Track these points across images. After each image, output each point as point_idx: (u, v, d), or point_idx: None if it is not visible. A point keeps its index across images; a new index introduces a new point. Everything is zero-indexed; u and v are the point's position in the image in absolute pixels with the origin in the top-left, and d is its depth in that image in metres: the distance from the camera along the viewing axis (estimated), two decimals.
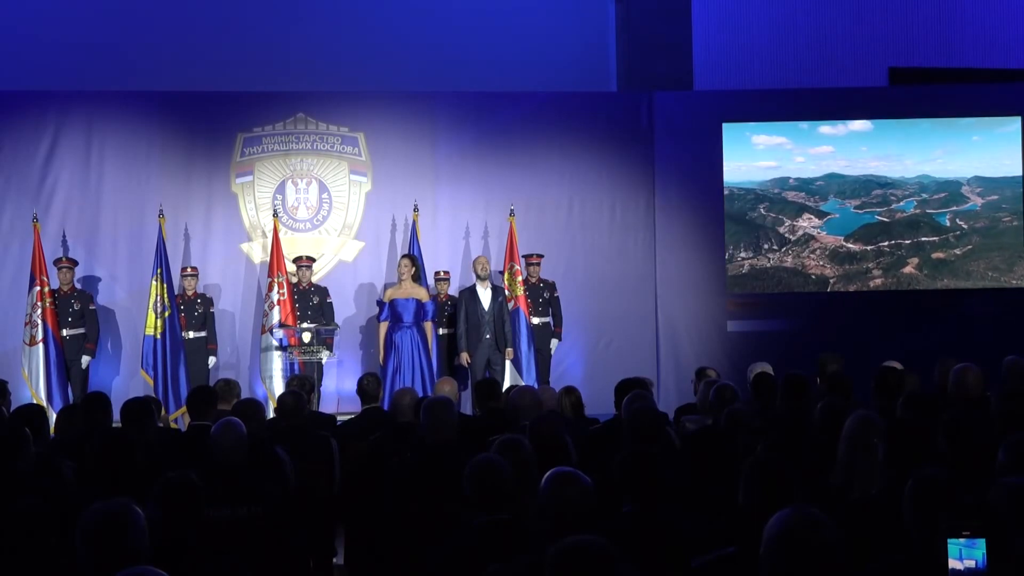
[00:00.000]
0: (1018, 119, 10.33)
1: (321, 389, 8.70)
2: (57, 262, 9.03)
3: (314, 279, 9.44)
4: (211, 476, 3.89)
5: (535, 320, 9.47)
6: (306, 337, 8.76)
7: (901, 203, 10.40)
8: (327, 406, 8.81)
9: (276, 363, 9.01)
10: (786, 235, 10.40)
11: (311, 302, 9.20)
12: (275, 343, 8.98)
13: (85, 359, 9.01)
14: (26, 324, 8.85)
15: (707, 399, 5.58)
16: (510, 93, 10.21)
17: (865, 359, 7.31)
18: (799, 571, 2.43)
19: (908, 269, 10.37)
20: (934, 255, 10.38)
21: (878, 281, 10.37)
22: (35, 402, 7.73)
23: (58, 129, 9.66)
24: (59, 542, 3.07)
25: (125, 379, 9.46)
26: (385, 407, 6.76)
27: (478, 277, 9.16)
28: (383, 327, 8.99)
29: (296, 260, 9.33)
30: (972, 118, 10.37)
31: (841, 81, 10.99)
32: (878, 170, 10.43)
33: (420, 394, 6.40)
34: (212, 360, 9.28)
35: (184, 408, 7.64)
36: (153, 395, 8.12)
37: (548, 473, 3.17)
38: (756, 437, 4.51)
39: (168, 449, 4.92)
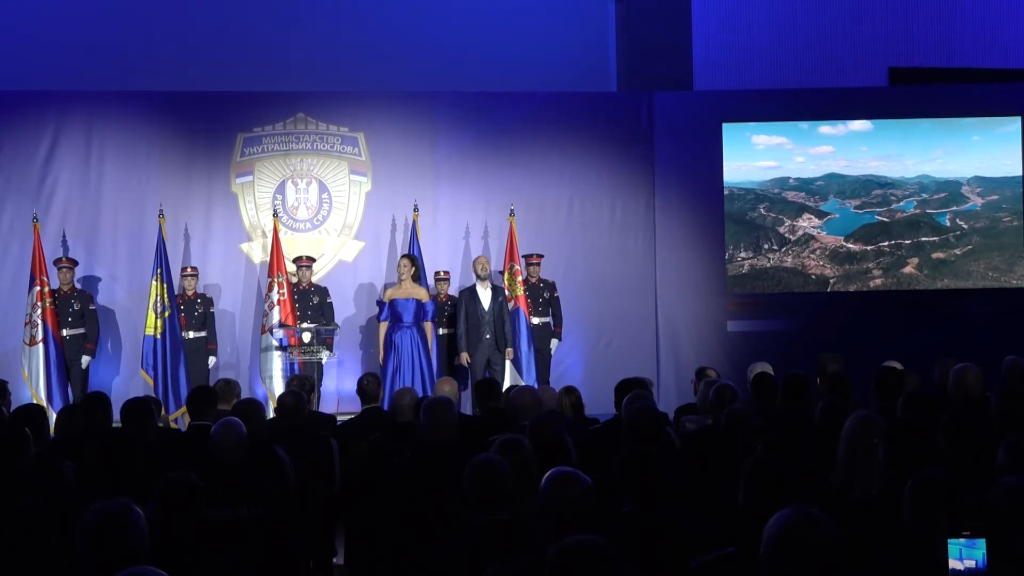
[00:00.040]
0: (1018, 119, 10.33)
1: (321, 389, 8.70)
2: (57, 262, 9.03)
3: (314, 279, 9.44)
4: (211, 476, 3.89)
5: (535, 320, 9.47)
6: (306, 337, 8.76)
7: (901, 203, 10.40)
8: (327, 406, 8.80)
9: (276, 363, 9.01)
10: (786, 235, 10.40)
11: (311, 302, 9.20)
12: (275, 343, 8.98)
13: (85, 359, 9.01)
14: (26, 324, 8.85)
15: (707, 399, 5.58)
16: (510, 93, 10.21)
17: (865, 359, 7.31)
18: (799, 571, 2.43)
19: (908, 269, 10.37)
20: (934, 255, 10.38)
21: (878, 281, 10.37)
22: (35, 402, 7.73)
23: (58, 129, 9.66)
24: (59, 542, 3.07)
25: (125, 379, 9.45)
26: (385, 407, 6.76)
27: (478, 277, 9.16)
28: (383, 327, 8.99)
29: (296, 260, 9.33)
30: (972, 118, 10.37)
31: (841, 81, 10.98)
32: (878, 170, 10.43)
33: (420, 394, 6.39)
34: (212, 360, 9.28)
35: (184, 408, 7.64)
36: (153, 395, 8.12)
37: (548, 473, 3.16)
38: (756, 437, 4.51)
39: (168, 449, 4.92)
